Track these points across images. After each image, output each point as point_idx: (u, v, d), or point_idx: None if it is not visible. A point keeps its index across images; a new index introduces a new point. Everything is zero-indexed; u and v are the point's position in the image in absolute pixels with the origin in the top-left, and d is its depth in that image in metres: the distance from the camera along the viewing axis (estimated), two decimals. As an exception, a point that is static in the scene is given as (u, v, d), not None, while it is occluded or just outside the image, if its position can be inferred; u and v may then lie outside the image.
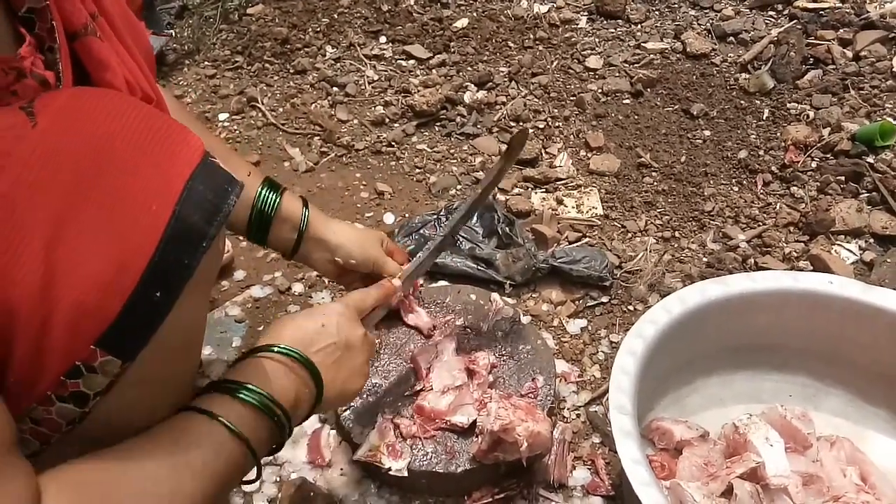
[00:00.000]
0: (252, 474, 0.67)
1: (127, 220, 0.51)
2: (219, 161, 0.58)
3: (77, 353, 0.50)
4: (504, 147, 1.11)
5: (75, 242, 0.49)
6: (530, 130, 1.67)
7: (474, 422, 0.97)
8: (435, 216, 1.38)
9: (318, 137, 1.69)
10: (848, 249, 1.34)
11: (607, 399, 0.97)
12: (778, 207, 1.44)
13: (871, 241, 1.36)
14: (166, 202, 0.52)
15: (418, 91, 1.77)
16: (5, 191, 0.47)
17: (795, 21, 1.94)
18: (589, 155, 1.60)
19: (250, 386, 0.65)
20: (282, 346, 0.72)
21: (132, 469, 0.55)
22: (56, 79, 0.59)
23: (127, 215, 0.51)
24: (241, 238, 1.42)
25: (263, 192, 0.94)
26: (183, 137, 0.56)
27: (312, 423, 1.08)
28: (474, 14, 2.08)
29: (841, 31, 1.87)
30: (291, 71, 1.91)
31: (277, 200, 0.95)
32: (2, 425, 0.48)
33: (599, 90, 1.78)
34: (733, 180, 1.52)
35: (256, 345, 0.72)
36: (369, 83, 1.85)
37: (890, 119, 1.57)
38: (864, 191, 1.45)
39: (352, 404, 1.03)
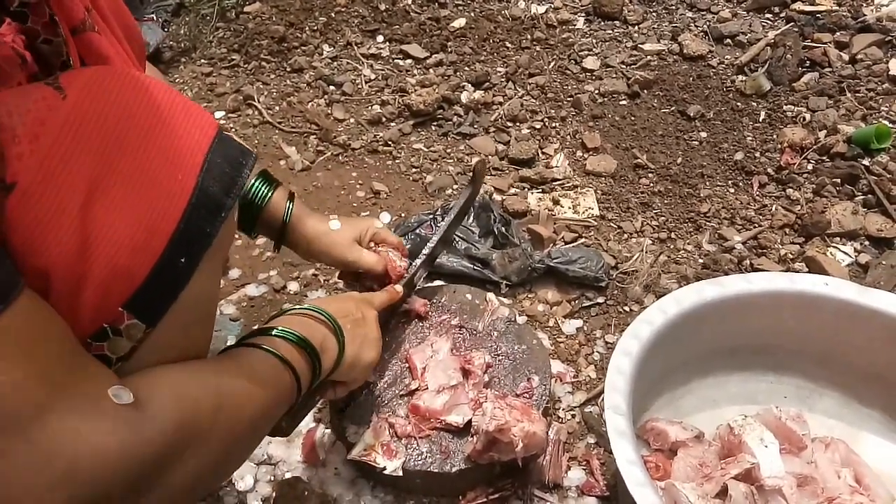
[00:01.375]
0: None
1: (156, 188, 0.53)
2: (231, 135, 0.60)
3: (106, 315, 0.52)
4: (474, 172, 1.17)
5: (109, 207, 0.51)
6: (525, 131, 1.67)
7: (469, 421, 0.97)
8: (431, 215, 1.38)
9: (314, 136, 1.69)
10: (843, 251, 1.35)
11: (602, 399, 0.97)
12: (774, 209, 1.44)
13: (867, 243, 1.37)
14: (190, 172, 0.55)
15: (415, 90, 1.77)
16: (42, 158, 0.49)
17: (792, 24, 1.94)
18: (585, 156, 1.60)
19: (283, 327, 0.73)
20: (307, 305, 0.80)
21: (206, 367, 0.62)
22: (34, 61, 0.59)
23: (155, 183, 0.53)
24: (236, 236, 1.42)
25: (256, 183, 0.97)
26: (199, 112, 0.59)
27: (307, 422, 1.08)
28: (472, 14, 2.08)
29: (837, 33, 1.87)
30: (288, 69, 1.91)
31: (269, 195, 0.97)
32: (65, 326, 0.51)
33: (596, 91, 1.78)
34: (729, 182, 1.52)
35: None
36: (366, 82, 1.85)
37: (886, 122, 1.57)
38: (859, 193, 1.45)
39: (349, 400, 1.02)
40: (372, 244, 1.06)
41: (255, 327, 0.77)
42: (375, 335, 0.89)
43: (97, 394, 0.49)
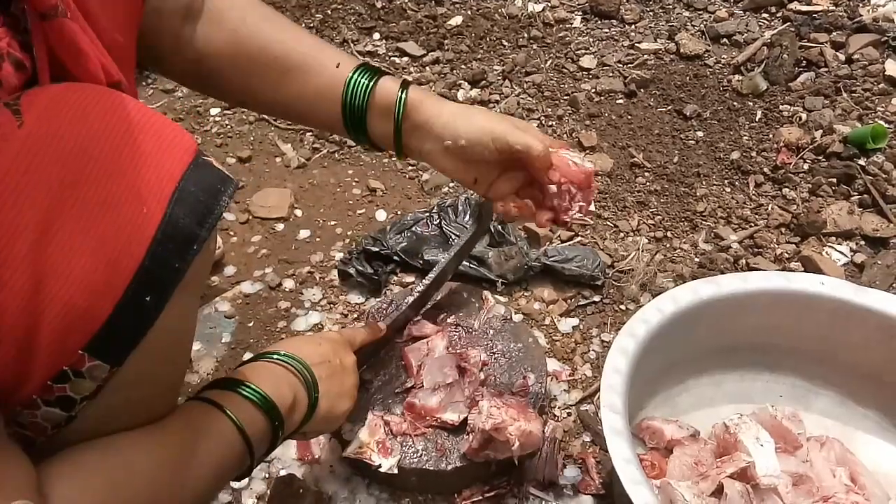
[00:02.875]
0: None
1: (117, 223, 0.49)
2: (212, 159, 0.57)
3: (65, 358, 0.49)
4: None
5: (64, 245, 0.47)
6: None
7: (465, 419, 0.97)
8: (427, 214, 1.38)
9: (310, 133, 1.68)
10: (839, 251, 1.35)
11: (598, 398, 0.97)
12: (770, 208, 1.44)
13: (862, 242, 1.37)
14: (157, 204, 0.51)
15: (412, 88, 1.76)
16: None
17: (789, 23, 1.94)
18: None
19: (251, 385, 0.69)
20: (283, 352, 0.75)
21: (140, 455, 0.57)
22: (32, 62, 0.56)
23: (117, 217, 0.49)
24: (231, 233, 1.42)
25: (354, 77, 0.81)
26: (174, 136, 0.54)
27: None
28: (468, 12, 2.07)
29: (834, 34, 1.88)
30: (284, 66, 1.90)
31: (369, 87, 0.80)
32: None
33: (593, 90, 1.78)
34: (725, 181, 1.52)
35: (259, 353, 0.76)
36: (362, 80, 1.84)
37: (882, 122, 1.58)
38: (855, 193, 1.45)
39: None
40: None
41: (225, 374, 0.72)
42: (352, 383, 0.85)
43: None
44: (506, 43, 1.96)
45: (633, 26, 2.03)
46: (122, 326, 0.50)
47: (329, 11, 2.08)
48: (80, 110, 0.50)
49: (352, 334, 0.93)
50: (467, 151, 0.81)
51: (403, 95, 0.81)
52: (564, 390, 1.14)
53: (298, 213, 1.47)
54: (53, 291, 0.47)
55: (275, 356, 0.75)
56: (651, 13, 2.08)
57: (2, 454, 0.47)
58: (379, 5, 2.08)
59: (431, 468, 0.95)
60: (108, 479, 0.53)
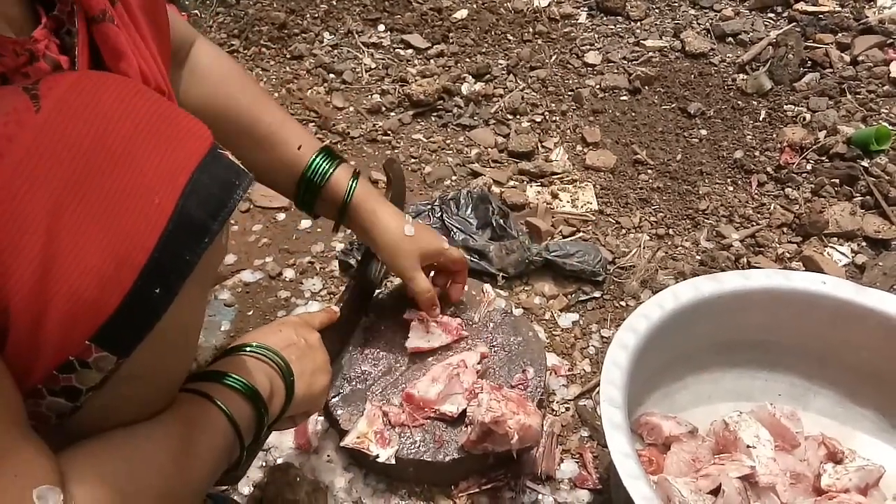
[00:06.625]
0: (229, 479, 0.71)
1: (129, 213, 0.49)
2: (227, 152, 0.56)
3: (71, 349, 0.48)
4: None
5: (74, 234, 0.47)
6: (525, 124, 1.66)
7: (464, 411, 0.97)
8: (429, 206, 1.37)
9: (313, 124, 1.68)
10: (840, 252, 1.35)
11: (597, 393, 0.97)
12: (772, 208, 1.44)
13: (864, 244, 1.37)
14: (170, 195, 0.50)
15: (416, 81, 1.76)
16: (6, 179, 0.45)
17: (794, 24, 1.94)
18: (585, 150, 1.60)
19: (234, 374, 0.69)
20: (254, 344, 0.76)
21: (152, 446, 0.57)
22: (70, 63, 0.57)
23: (129, 208, 0.49)
24: (232, 222, 1.42)
25: (316, 159, 0.95)
26: (190, 127, 0.54)
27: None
28: (474, 6, 2.07)
29: (839, 34, 1.87)
30: (288, 56, 1.90)
31: (329, 172, 0.95)
32: (14, 400, 0.47)
33: (597, 86, 1.78)
34: (728, 180, 1.52)
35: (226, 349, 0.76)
36: (366, 71, 1.84)
37: (886, 124, 1.57)
38: (857, 194, 1.45)
39: (335, 397, 1.02)
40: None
41: (206, 366, 0.72)
42: (323, 359, 0.86)
43: (20, 494, 0.45)
44: (511, 37, 1.96)
45: (638, 23, 2.02)
46: (130, 318, 0.49)
47: (334, 2, 2.07)
48: (95, 98, 0.50)
49: (308, 316, 0.93)
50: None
51: (353, 186, 0.96)
52: (563, 385, 1.14)
53: (300, 203, 1.47)
54: (62, 281, 0.47)
55: (246, 349, 0.75)
56: (657, 10, 2.08)
57: (24, 443, 0.47)
58: (384, -3, 2.08)
59: (429, 459, 0.95)
60: (124, 468, 0.54)
